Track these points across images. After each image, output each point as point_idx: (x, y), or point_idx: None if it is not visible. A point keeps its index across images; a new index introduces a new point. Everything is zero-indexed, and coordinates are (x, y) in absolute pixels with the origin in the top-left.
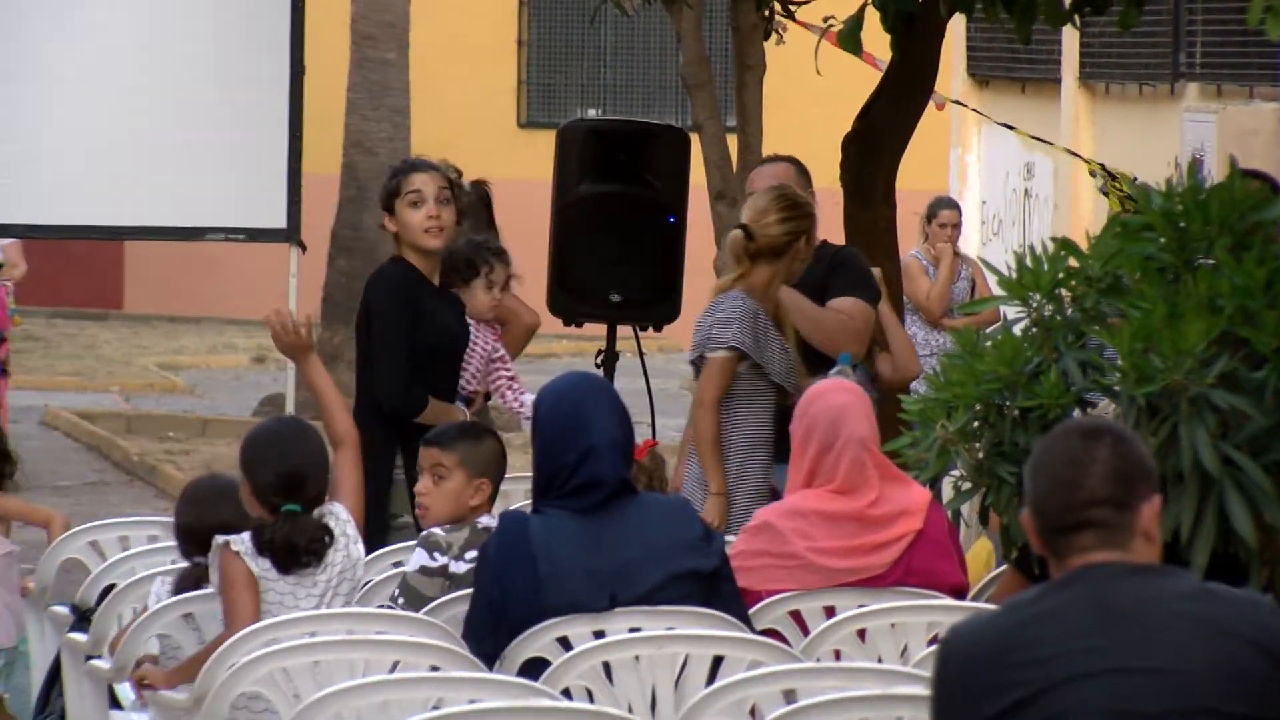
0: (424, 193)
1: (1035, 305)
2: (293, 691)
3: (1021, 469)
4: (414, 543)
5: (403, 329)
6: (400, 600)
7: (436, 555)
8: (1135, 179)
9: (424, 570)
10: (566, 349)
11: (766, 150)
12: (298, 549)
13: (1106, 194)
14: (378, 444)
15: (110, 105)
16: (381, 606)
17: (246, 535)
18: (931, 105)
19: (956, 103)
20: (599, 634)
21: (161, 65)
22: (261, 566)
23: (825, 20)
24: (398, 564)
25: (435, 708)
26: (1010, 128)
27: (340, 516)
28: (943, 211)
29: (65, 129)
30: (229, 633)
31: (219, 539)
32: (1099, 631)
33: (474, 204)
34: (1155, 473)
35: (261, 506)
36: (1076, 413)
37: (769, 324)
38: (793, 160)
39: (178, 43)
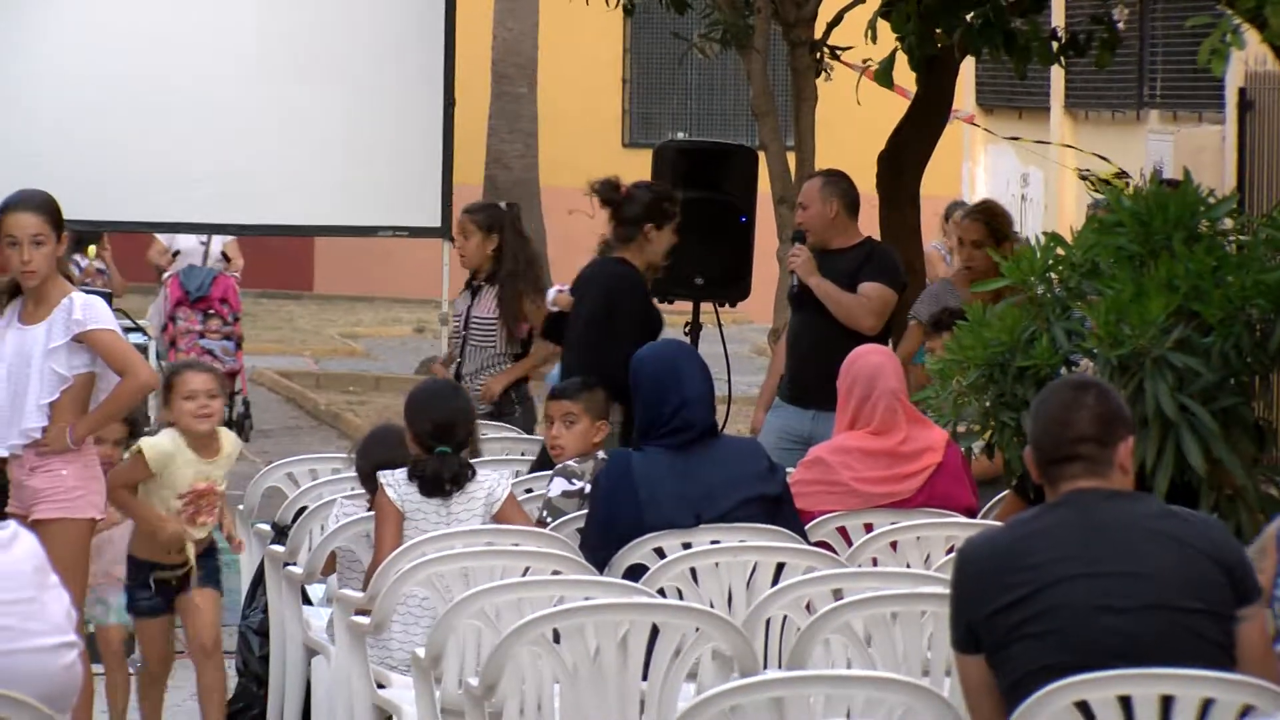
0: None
1: (1030, 285)
2: (446, 591)
3: (1020, 416)
4: (552, 473)
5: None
6: (547, 517)
7: (573, 481)
8: (1122, 173)
9: (565, 494)
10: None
11: (818, 165)
12: (442, 480)
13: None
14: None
15: (302, 131)
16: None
17: (402, 470)
18: (958, 121)
19: (971, 123)
20: (687, 546)
21: (340, 98)
22: (409, 495)
23: (864, 62)
24: (528, 490)
25: (558, 603)
26: (1015, 139)
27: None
28: (956, 213)
29: (266, 148)
30: (375, 556)
31: (379, 476)
32: (1083, 543)
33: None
34: (1130, 418)
35: (420, 449)
36: (1064, 371)
37: None
38: (840, 173)
39: (351, 79)
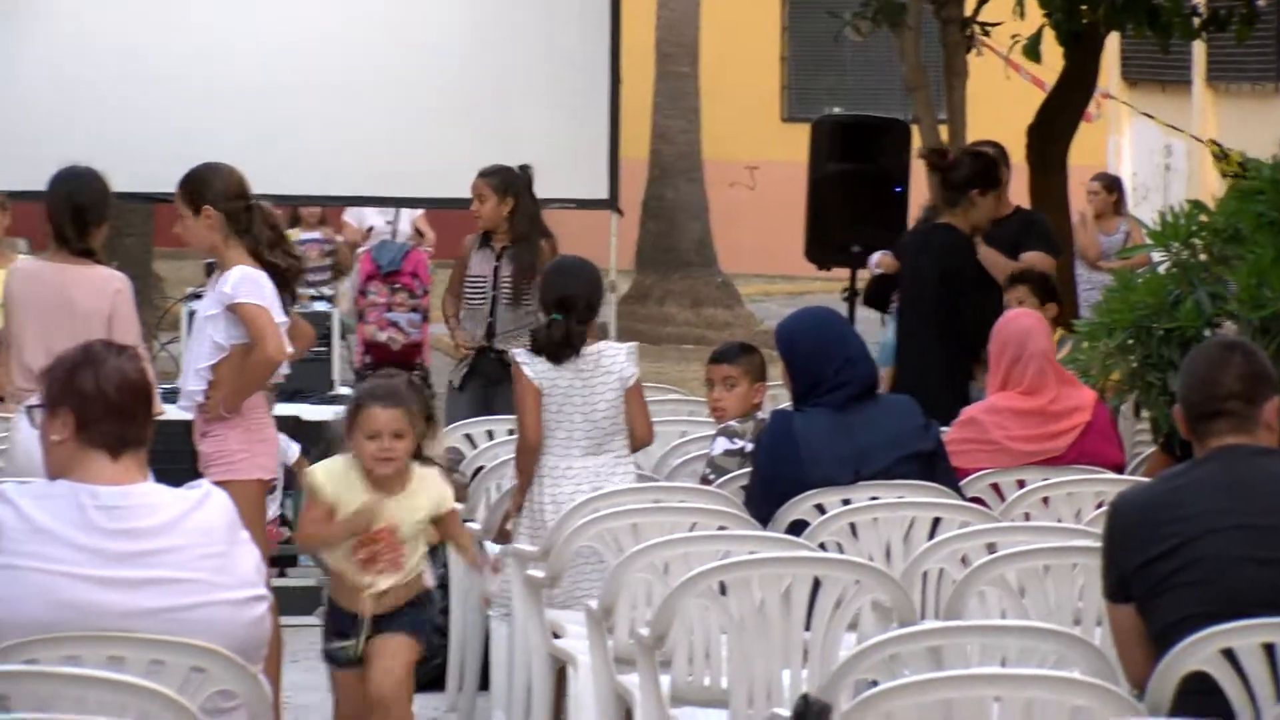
0: None
1: (1174, 251)
2: (617, 545)
3: (1166, 376)
4: (715, 432)
5: None
6: (709, 474)
7: (735, 440)
8: (1245, 155)
9: (727, 452)
10: (819, 288)
11: (968, 138)
12: (554, 341)
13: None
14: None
15: (475, 108)
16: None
17: (526, 345)
18: (1099, 99)
19: (1112, 98)
20: (846, 501)
21: (513, 78)
22: (544, 371)
23: (1012, 38)
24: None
25: (724, 557)
26: (1150, 116)
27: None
28: (1092, 182)
29: (443, 124)
30: (520, 436)
31: (515, 355)
32: (1230, 497)
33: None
34: (1275, 378)
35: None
36: (1208, 333)
37: None
38: (995, 144)
39: (523, 60)
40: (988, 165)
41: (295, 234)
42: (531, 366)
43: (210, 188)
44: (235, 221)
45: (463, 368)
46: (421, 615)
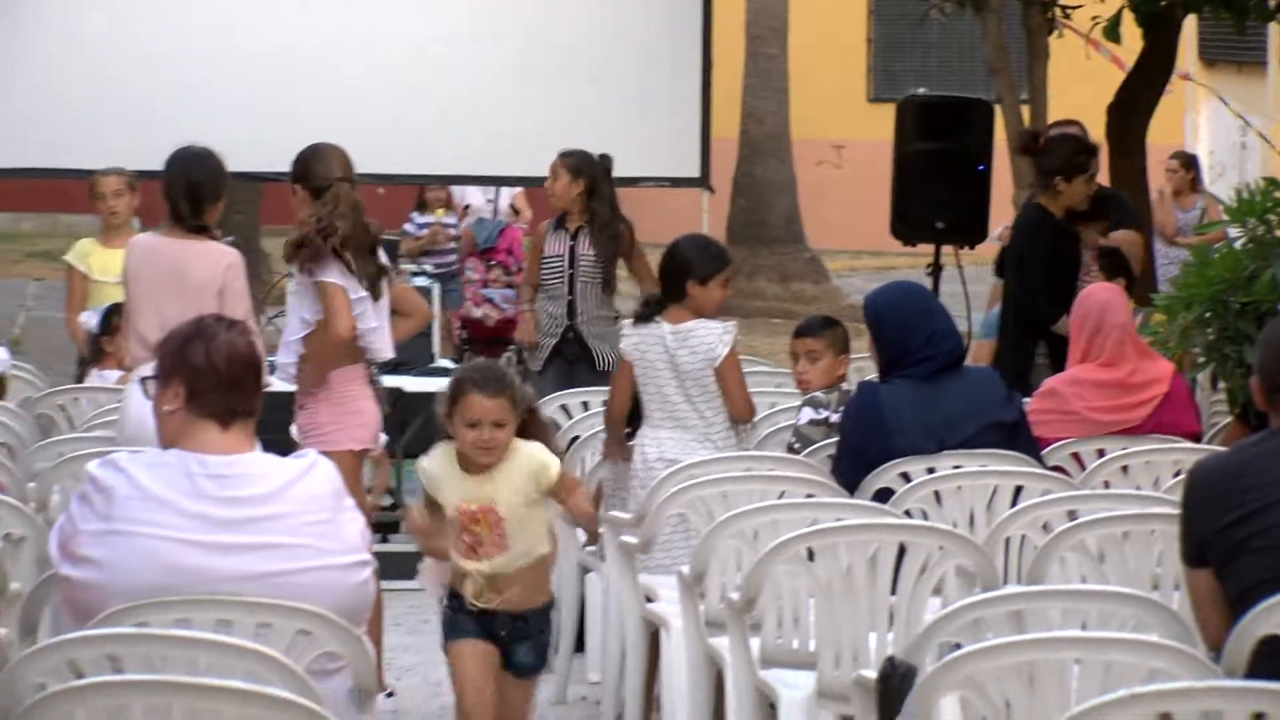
0: None
1: (1250, 227)
2: (708, 513)
3: (1242, 348)
4: (800, 403)
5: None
6: (795, 444)
7: (820, 410)
8: None
9: (812, 422)
10: (904, 263)
11: (1050, 118)
12: (640, 314)
13: None
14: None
15: (571, 89)
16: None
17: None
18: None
19: (1189, 78)
20: (931, 470)
21: (608, 61)
22: (638, 341)
23: (1093, 19)
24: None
25: (811, 524)
26: (1224, 101)
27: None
28: (1170, 160)
29: (540, 105)
30: (610, 404)
31: (623, 326)
32: None
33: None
34: None
35: None
36: None
37: None
38: (1078, 123)
39: (618, 44)
40: (1073, 152)
41: (440, 215)
42: (629, 339)
43: (313, 169)
44: (319, 202)
45: (543, 352)
46: (546, 637)
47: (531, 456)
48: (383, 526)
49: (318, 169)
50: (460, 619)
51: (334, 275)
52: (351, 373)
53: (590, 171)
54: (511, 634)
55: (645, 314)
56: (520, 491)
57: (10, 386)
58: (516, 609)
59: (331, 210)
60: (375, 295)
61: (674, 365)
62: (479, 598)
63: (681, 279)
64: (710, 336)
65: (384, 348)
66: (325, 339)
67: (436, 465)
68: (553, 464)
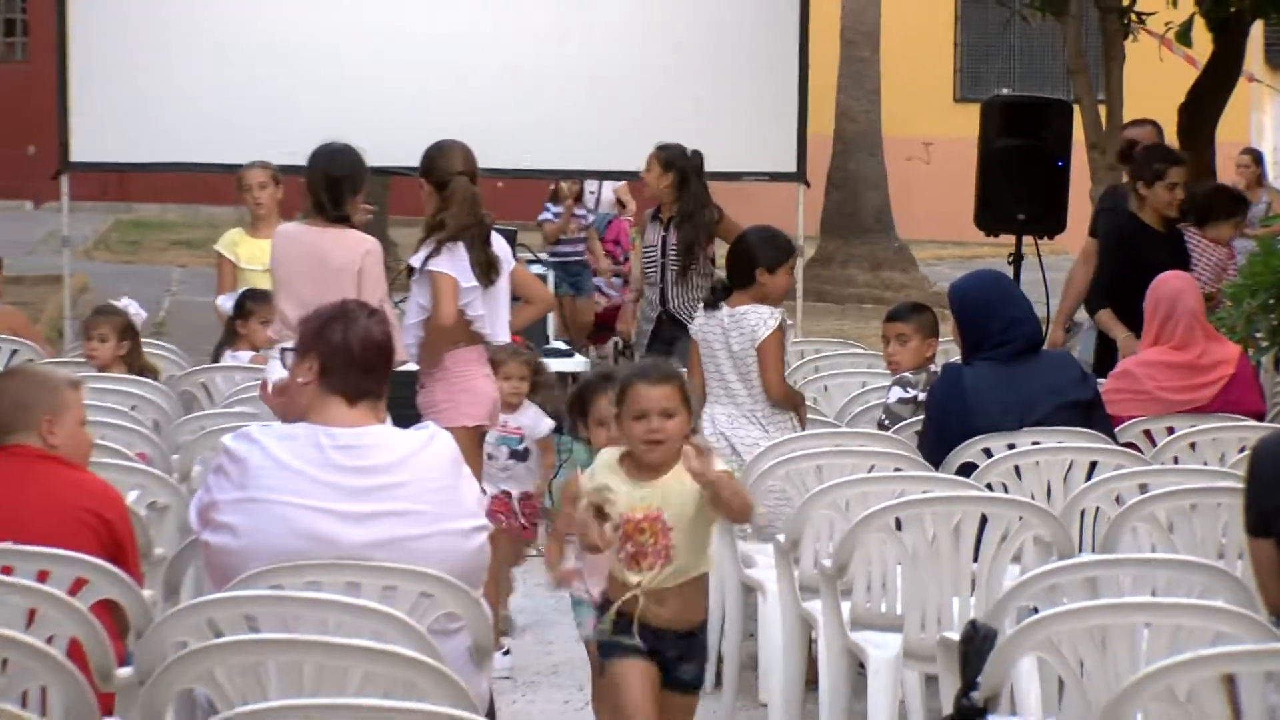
0: None
1: None
2: (802, 485)
3: None
4: (890, 382)
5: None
6: (885, 420)
7: (908, 389)
8: None
9: (900, 400)
10: (987, 252)
11: (1125, 117)
12: (710, 301)
13: None
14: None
15: (678, 89)
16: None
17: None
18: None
19: (1256, 80)
20: (1011, 446)
21: (713, 62)
22: (702, 324)
23: (1166, 25)
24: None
25: (899, 496)
26: None
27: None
28: (1241, 156)
29: (648, 104)
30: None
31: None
32: None
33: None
34: None
35: None
36: None
37: None
38: (1152, 122)
39: (722, 46)
40: (1153, 159)
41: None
42: (695, 322)
43: (437, 164)
44: (443, 196)
45: (643, 337)
46: (705, 653)
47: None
48: None
49: (440, 164)
50: (620, 637)
51: (443, 265)
52: (467, 354)
53: (681, 165)
54: (673, 651)
55: (712, 300)
56: (689, 502)
57: (159, 366)
58: (678, 625)
59: (444, 205)
60: (487, 283)
61: (727, 345)
62: (639, 613)
63: (750, 267)
64: (757, 319)
65: (497, 332)
66: (432, 324)
67: (602, 474)
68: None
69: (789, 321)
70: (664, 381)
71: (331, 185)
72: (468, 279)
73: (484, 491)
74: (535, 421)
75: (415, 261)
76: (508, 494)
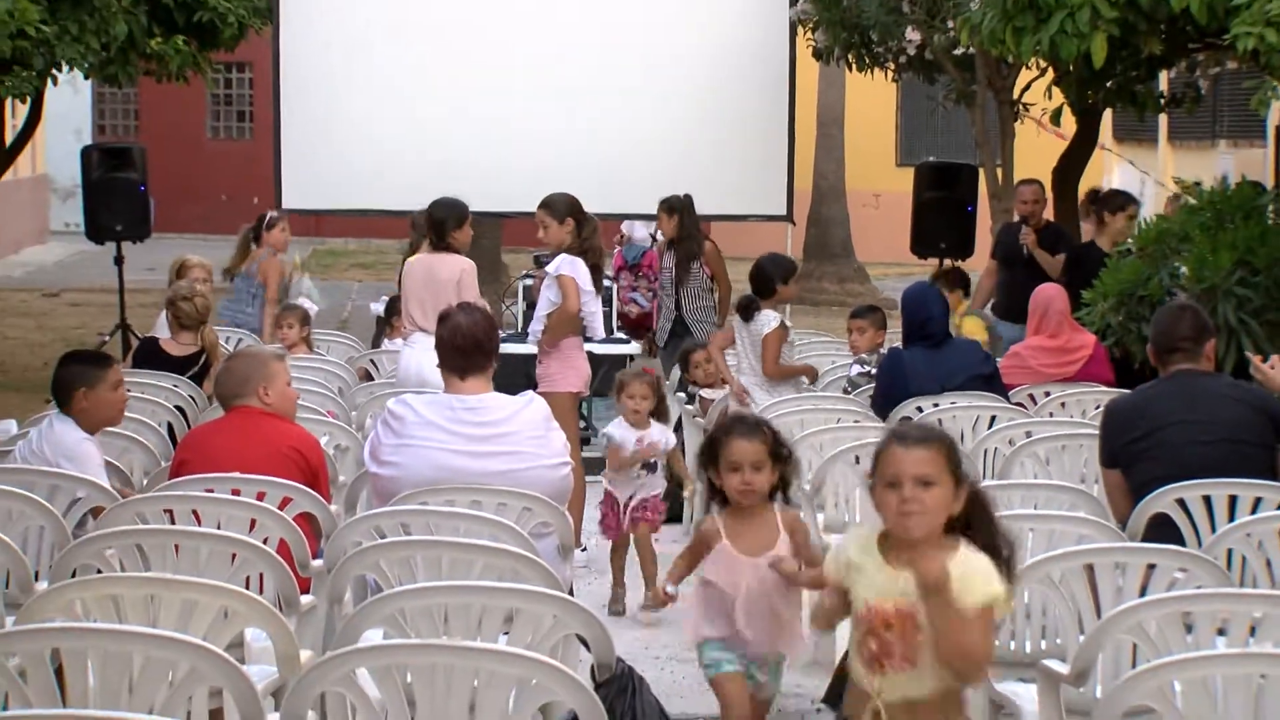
0: None
1: (1146, 246)
2: (790, 432)
3: (1140, 326)
4: (851, 361)
5: None
6: (848, 388)
7: (865, 366)
8: (1196, 182)
9: (859, 374)
10: (919, 271)
11: (1015, 176)
12: (743, 307)
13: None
14: None
15: (702, 156)
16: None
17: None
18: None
19: (1106, 149)
20: (936, 404)
21: (720, 131)
22: (736, 322)
23: (1043, 112)
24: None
25: (858, 438)
26: (1131, 163)
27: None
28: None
29: (668, 158)
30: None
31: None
32: (1182, 401)
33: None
34: (1212, 327)
35: None
36: (1168, 299)
37: None
38: (1037, 181)
39: (725, 117)
40: (1113, 196)
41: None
42: (731, 321)
43: (564, 206)
44: (578, 228)
45: (663, 334)
46: None
47: (970, 565)
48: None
49: (575, 206)
50: None
51: (569, 271)
52: (573, 341)
53: (677, 207)
54: None
55: (745, 310)
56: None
57: (334, 350)
58: None
59: (591, 234)
60: (596, 291)
61: (751, 337)
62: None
63: (770, 282)
64: (764, 320)
65: (598, 328)
66: (562, 313)
67: (856, 551)
68: (997, 587)
69: (789, 323)
70: (922, 444)
71: (438, 224)
72: (586, 284)
73: (618, 499)
74: (661, 437)
75: (551, 270)
76: (631, 497)
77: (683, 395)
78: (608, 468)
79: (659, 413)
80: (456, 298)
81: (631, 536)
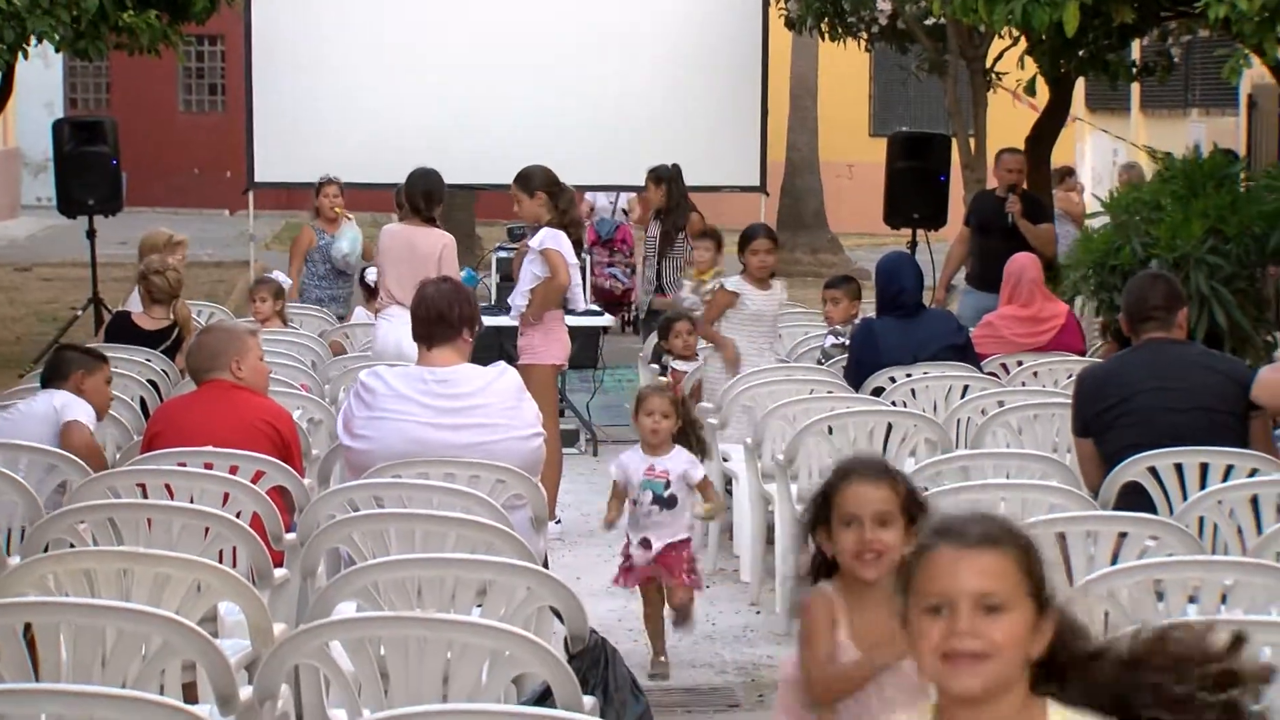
0: None
1: (1119, 215)
2: (764, 403)
3: (1113, 295)
4: (826, 331)
5: None
6: (821, 358)
7: (838, 337)
8: (1167, 154)
9: (833, 344)
10: (892, 241)
11: (988, 146)
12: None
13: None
14: None
15: (679, 129)
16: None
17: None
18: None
19: (1079, 120)
20: (909, 375)
21: (700, 106)
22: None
23: (1016, 82)
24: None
25: (831, 410)
26: (1105, 131)
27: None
28: (1068, 179)
29: (649, 132)
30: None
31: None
32: (1154, 369)
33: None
34: (1184, 296)
35: None
36: (1142, 268)
37: None
38: (1019, 150)
39: (702, 93)
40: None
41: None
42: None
43: (538, 179)
44: (552, 200)
45: (643, 306)
46: None
47: None
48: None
49: (549, 179)
50: None
51: (555, 245)
52: (556, 314)
53: (665, 176)
54: None
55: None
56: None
57: (307, 324)
58: None
59: (568, 207)
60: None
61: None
62: None
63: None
64: (714, 284)
65: (579, 300)
66: (550, 286)
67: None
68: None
69: (736, 289)
70: (985, 547)
71: (426, 195)
72: (571, 257)
73: (632, 542)
74: (686, 467)
75: (534, 244)
76: (647, 541)
77: (656, 366)
78: (612, 505)
79: (686, 438)
80: (437, 272)
81: (663, 594)
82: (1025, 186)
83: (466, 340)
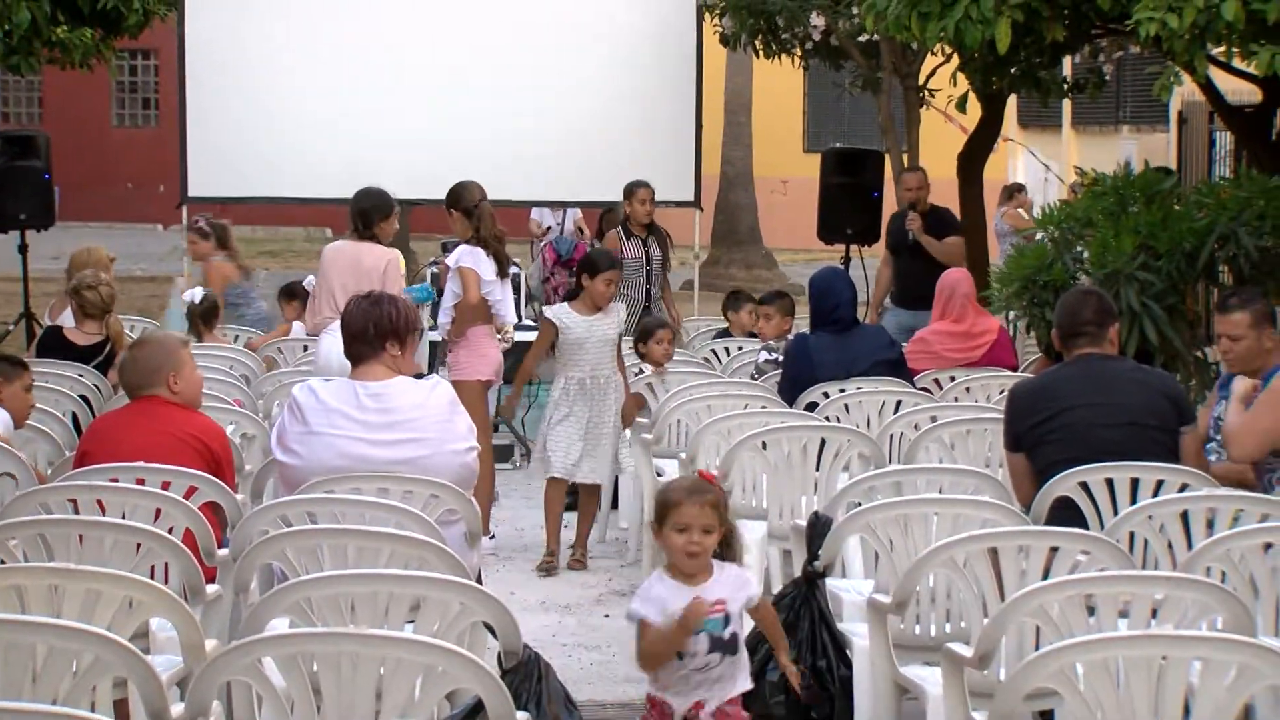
0: None
1: (1050, 231)
2: (699, 418)
3: (1044, 310)
4: (759, 347)
5: None
6: (755, 374)
7: (772, 352)
8: (1097, 171)
9: (767, 360)
10: (825, 256)
11: (922, 162)
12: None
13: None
14: None
15: (614, 141)
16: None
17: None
18: (1001, 139)
19: (1010, 140)
20: (842, 390)
21: (633, 121)
22: (565, 314)
23: (948, 99)
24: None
25: (765, 425)
26: (1033, 153)
27: None
28: (1018, 195)
29: (596, 151)
30: (528, 358)
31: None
32: (1086, 385)
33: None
34: (1115, 311)
35: None
36: (1072, 283)
37: None
38: (920, 168)
39: (637, 108)
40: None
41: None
42: (556, 311)
43: (453, 196)
44: (467, 217)
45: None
46: None
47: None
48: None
49: (465, 196)
50: None
51: (469, 263)
52: (482, 330)
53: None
54: None
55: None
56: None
57: (240, 339)
58: None
59: (479, 224)
60: (502, 277)
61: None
62: None
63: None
64: (618, 312)
65: (508, 314)
66: (462, 305)
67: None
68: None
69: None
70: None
71: (363, 214)
72: (488, 274)
73: (675, 714)
74: (739, 586)
75: (451, 262)
76: (700, 704)
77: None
78: (642, 661)
79: (729, 548)
80: (381, 287)
81: None
82: (930, 203)
83: (393, 354)
